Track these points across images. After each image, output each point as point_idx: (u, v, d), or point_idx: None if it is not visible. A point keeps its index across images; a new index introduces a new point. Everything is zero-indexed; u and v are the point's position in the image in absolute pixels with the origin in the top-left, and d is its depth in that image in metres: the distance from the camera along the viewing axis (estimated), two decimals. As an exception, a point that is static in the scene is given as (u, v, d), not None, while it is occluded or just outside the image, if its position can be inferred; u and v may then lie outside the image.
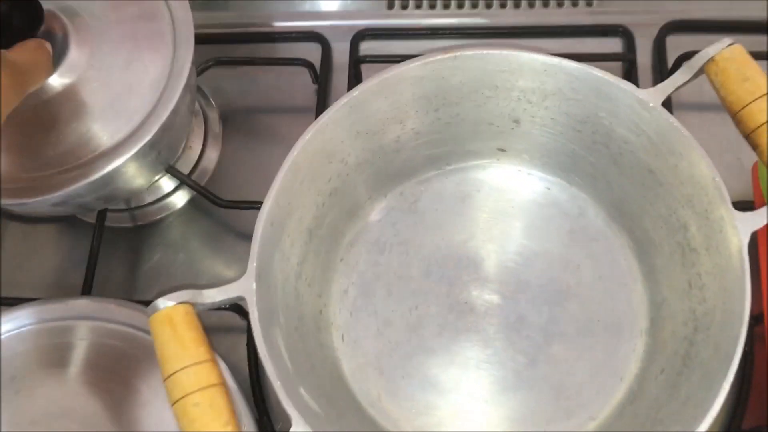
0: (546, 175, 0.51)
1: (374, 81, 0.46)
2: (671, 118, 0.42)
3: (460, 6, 0.63)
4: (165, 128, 0.48)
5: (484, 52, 0.45)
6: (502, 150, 0.51)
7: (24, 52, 0.41)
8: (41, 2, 0.44)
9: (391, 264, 0.51)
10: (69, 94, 0.47)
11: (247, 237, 0.58)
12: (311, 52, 0.62)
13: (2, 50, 0.40)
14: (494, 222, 0.51)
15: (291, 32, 0.63)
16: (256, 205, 0.54)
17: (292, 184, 0.45)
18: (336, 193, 0.49)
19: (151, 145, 0.48)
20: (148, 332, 0.50)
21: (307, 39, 0.62)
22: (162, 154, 0.51)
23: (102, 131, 0.47)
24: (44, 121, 0.47)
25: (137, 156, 0.48)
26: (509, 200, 0.51)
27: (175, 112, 0.49)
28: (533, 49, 0.46)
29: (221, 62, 0.59)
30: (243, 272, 0.56)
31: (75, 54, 0.47)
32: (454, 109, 0.49)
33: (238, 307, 0.50)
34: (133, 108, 0.48)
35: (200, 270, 0.57)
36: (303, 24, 0.64)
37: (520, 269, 0.49)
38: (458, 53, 0.45)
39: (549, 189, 0.51)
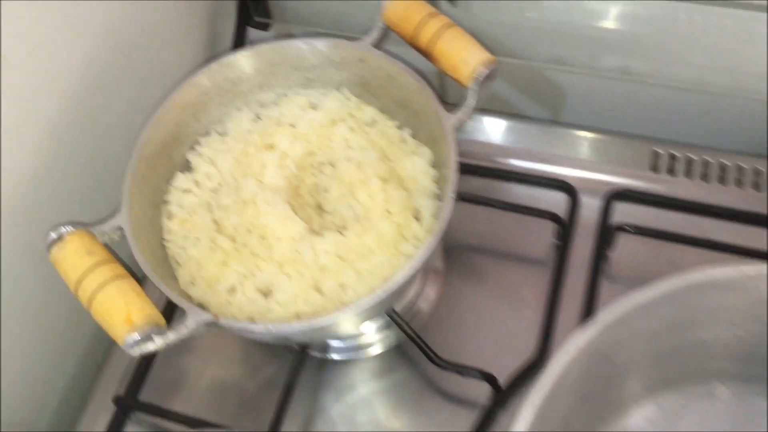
0: None
1: (677, 282, 0.38)
2: None
3: (739, 183, 0.55)
4: (411, 278, 0.42)
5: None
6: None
7: None
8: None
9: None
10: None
11: (455, 400, 0.51)
12: (555, 201, 0.55)
13: None
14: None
15: (537, 176, 0.56)
16: (477, 375, 0.48)
17: (557, 389, 0.37)
18: (594, 396, 0.41)
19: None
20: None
21: (553, 186, 0.56)
22: (394, 299, 0.45)
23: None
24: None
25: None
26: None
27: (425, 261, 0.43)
28: None
29: (464, 198, 0.53)
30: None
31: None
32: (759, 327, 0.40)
33: None
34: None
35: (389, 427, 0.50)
36: (551, 169, 0.57)
37: None
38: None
39: None
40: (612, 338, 0.38)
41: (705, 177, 0.56)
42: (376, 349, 0.52)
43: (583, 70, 0.58)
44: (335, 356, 0.52)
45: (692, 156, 0.57)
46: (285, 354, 0.52)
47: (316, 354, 0.52)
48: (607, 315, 0.38)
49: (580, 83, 0.59)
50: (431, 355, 0.48)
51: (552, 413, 0.38)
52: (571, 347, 0.37)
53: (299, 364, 0.49)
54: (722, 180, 0.55)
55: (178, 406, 0.51)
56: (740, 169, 0.56)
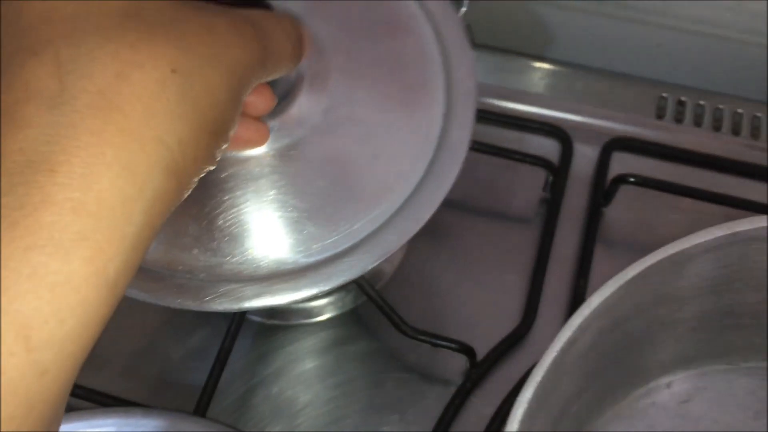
0: None
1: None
2: None
3: (755, 135, 0.48)
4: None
5: None
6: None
7: (268, 20, 0.25)
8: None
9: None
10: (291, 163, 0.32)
11: (422, 376, 0.43)
12: (545, 149, 0.47)
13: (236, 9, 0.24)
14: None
15: (524, 119, 0.48)
16: (452, 346, 0.39)
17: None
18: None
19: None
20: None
21: (544, 132, 0.48)
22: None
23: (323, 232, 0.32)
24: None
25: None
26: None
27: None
28: None
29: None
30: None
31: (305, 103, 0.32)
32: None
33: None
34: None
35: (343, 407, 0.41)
36: (543, 113, 0.49)
37: None
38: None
39: None
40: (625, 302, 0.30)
41: (717, 127, 0.48)
42: (326, 313, 0.44)
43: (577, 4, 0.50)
44: (276, 321, 0.44)
45: (703, 103, 0.49)
46: (217, 318, 0.43)
47: (254, 318, 0.44)
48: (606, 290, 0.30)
49: (573, 19, 0.51)
50: (398, 321, 0.40)
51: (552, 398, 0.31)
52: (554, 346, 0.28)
53: (236, 329, 0.40)
54: (736, 131, 0.48)
55: (85, 379, 0.42)
56: (757, 118, 0.48)
